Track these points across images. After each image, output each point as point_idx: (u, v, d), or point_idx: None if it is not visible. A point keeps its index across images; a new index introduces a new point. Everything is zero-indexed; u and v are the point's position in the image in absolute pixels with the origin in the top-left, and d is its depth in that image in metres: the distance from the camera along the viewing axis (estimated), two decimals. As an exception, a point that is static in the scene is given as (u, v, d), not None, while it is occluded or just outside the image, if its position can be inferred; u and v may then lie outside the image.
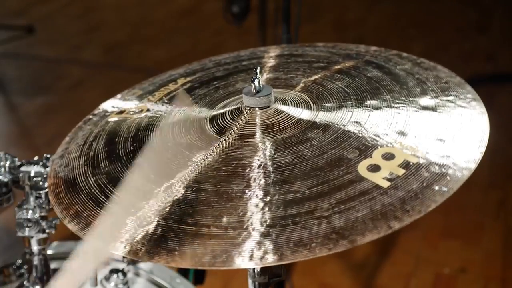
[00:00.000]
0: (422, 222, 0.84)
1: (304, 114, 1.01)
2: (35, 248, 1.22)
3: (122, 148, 1.04)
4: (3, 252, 2.04)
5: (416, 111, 1.00)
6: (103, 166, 1.01)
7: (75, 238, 0.94)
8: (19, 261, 1.36)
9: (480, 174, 0.90)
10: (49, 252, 1.34)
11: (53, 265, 1.31)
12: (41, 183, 1.17)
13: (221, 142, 0.98)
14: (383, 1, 4.84)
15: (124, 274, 1.34)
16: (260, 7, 3.39)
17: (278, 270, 1.02)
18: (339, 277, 2.37)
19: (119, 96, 1.24)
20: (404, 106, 1.01)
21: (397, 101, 1.03)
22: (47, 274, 1.24)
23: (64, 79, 4.05)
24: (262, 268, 1.00)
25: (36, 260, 1.23)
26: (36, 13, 4.98)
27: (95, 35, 4.66)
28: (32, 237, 1.20)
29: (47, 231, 1.20)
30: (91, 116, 1.19)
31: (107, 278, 1.33)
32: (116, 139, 1.07)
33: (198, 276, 1.70)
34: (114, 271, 1.33)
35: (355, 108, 1.02)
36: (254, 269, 1.01)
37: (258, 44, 3.24)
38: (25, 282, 1.25)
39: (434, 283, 2.32)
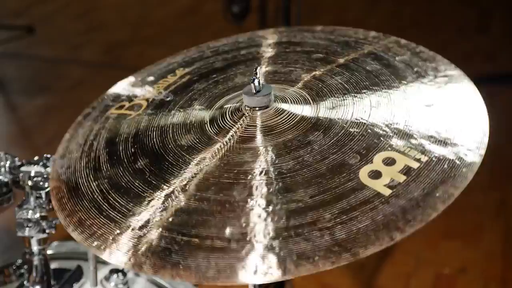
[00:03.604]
0: (422, 222, 0.83)
1: (304, 114, 1.00)
2: (35, 248, 1.22)
3: (123, 150, 1.04)
4: (3, 252, 2.04)
5: (416, 110, 0.99)
6: (104, 169, 1.01)
7: (75, 238, 0.94)
8: (19, 261, 1.35)
9: (480, 174, 0.89)
10: (49, 252, 1.34)
11: (53, 265, 1.31)
12: (41, 183, 1.17)
13: (222, 146, 0.97)
14: (383, 1, 4.83)
15: (124, 274, 1.34)
16: (260, 7, 3.40)
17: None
18: (339, 277, 2.36)
19: (120, 84, 1.24)
20: (403, 105, 1.00)
21: (397, 99, 1.02)
22: (47, 274, 1.24)
23: (64, 79, 4.05)
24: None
25: (36, 260, 1.23)
26: (36, 13, 4.98)
27: (95, 35, 4.66)
28: (32, 237, 1.20)
29: (47, 231, 1.20)
30: (90, 110, 1.18)
31: (107, 278, 1.33)
32: (117, 139, 1.07)
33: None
34: (114, 271, 1.33)
35: (355, 108, 1.01)
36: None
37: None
38: (25, 282, 1.25)
39: (434, 283, 2.32)
